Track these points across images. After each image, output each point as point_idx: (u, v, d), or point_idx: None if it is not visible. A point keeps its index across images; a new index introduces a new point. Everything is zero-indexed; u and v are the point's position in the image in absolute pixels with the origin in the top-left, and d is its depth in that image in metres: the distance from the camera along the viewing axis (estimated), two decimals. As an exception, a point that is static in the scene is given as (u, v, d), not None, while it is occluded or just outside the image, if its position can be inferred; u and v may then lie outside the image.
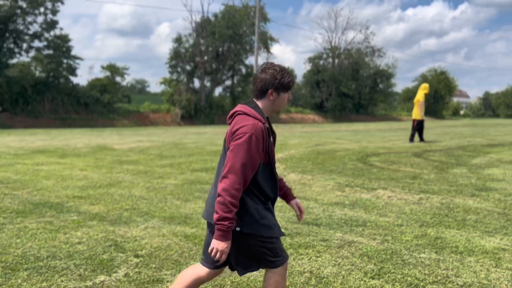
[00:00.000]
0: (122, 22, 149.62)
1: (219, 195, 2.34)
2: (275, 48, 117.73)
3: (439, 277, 3.72)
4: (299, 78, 64.39)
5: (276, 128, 32.25)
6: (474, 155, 11.38)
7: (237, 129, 2.39)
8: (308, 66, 61.37)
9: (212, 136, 19.72)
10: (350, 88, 59.57)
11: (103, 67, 42.88)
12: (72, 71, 41.19)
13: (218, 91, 51.90)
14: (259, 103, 2.52)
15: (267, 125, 2.49)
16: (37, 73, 39.13)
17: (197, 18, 46.77)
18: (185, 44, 46.69)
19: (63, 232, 4.94)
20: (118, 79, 44.17)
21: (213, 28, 45.46)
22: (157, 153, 12.42)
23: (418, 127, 14.82)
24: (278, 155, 11.75)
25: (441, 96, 71.04)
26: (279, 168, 9.65)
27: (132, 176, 8.85)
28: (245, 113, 2.46)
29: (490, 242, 4.72)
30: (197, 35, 46.11)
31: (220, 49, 47.21)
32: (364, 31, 60.70)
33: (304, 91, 60.12)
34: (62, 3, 39.60)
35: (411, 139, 14.89)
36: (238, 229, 2.43)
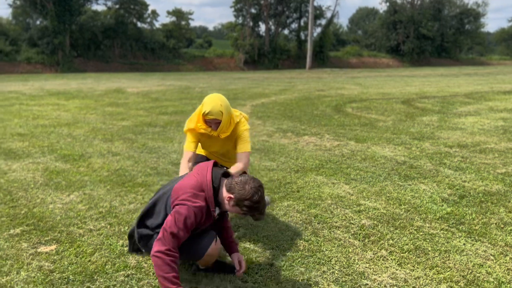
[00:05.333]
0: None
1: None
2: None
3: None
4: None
5: (325, 73, 31.20)
6: (472, 103, 10.35)
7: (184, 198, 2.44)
8: (384, 6, 57.50)
9: (243, 83, 19.78)
10: (430, 29, 55.05)
11: (169, 12, 43.86)
12: (140, 16, 42.71)
13: (284, 34, 50.89)
14: (223, 189, 2.50)
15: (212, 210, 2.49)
16: (107, 20, 41.11)
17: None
18: (249, -14, 45.89)
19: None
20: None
21: (276, -32, 44.01)
22: (155, 97, 12.90)
23: None
24: (262, 100, 11.64)
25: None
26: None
27: (97, 116, 9.39)
28: (202, 190, 2.46)
29: (336, 189, 4.52)
30: (261, -24, 45.02)
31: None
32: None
33: (378, 33, 56.73)
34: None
35: None
36: None
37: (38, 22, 39.02)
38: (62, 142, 6.80)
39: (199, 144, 3.35)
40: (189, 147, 3.23)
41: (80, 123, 8.56)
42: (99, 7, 40.36)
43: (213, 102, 3.03)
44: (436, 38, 55.64)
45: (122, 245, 3.17)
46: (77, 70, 37.24)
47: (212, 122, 3.07)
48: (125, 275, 2.76)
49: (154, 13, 44.23)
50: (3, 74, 32.47)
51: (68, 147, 6.49)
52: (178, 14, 44.17)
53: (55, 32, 37.11)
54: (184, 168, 3.12)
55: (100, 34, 40.28)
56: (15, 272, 2.80)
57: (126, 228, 3.50)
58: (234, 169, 3.03)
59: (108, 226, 3.54)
